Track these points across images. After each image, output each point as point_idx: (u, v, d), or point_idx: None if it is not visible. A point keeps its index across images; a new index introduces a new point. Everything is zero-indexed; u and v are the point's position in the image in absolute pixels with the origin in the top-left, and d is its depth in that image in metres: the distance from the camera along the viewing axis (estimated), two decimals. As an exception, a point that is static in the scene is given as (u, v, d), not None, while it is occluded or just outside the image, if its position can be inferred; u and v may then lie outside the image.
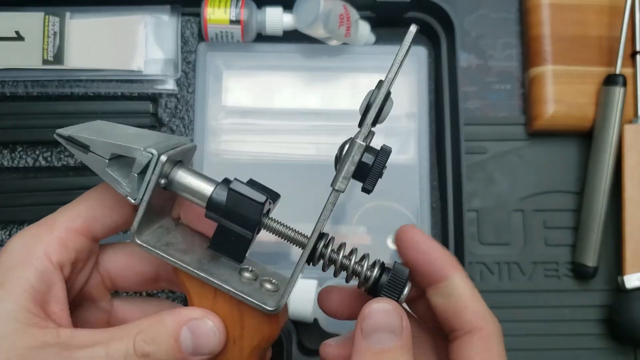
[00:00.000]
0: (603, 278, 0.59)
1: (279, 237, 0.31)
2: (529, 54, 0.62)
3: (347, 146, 0.29)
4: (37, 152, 0.57)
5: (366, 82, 0.59)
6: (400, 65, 0.27)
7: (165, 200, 0.33)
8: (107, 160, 0.29)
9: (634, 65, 0.59)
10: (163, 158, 0.29)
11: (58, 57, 0.56)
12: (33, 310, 0.29)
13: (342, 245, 0.31)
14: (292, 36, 0.58)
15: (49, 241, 0.31)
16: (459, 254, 0.55)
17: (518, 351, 0.57)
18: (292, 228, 0.31)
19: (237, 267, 0.32)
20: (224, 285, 0.30)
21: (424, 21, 0.61)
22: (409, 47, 0.27)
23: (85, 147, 0.29)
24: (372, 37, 0.60)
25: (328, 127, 0.58)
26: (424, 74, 0.59)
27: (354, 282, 0.32)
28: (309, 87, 0.59)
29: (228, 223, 0.30)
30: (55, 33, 0.57)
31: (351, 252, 0.31)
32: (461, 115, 0.57)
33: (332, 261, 0.31)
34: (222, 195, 0.29)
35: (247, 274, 0.32)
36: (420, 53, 0.59)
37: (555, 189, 0.61)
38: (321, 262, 0.31)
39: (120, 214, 0.32)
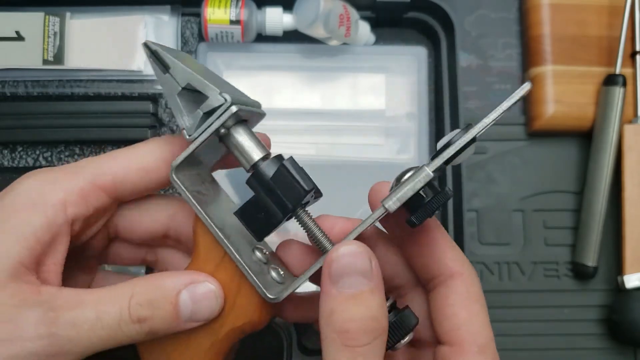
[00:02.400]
0: (603, 278, 0.59)
1: (305, 231, 0.30)
2: (529, 54, 0.62)
3: (410, 173, 0.28)
4: (37, 152, 0.57)
5: (366, 82, 0.59)
6: (499, 116, 0.27)
7: (214, 151, 0.32)
8: (180, 88, 0.29)
9: (634, 65, 0.59)
10: (234, 108, 0.28)
11: (58, 57, 0.56)
12: (25, 261, 0.26)
13: None
14: (292, 36, 0.58)
15: (69, 189, 0.28)
16: (459, 254, 0.55)
17: (518, 351, 0.57)
18: (321, 230, 0.30)
19: (253, 244, 0.31)
20: (235, 254, 0.29)
21: (424, 21, 0.61)
22: (517, 100, 0.27)
23: (165, 67, 0.29)
24: (372, 37, 0.60)
25: (328, 127, 0.58)
26: (424, 74, 0.59)
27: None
28: (309, 87, 0.59)
29: (265, 198, 0.28)
30: (55, 33, 0.57)
31: None
32: (461, 115, 0.57)
33: None
34: (270, 168, 0.29)
35: (259, 254, 0.31)
36: (420, 53, 0.59)
37: (555, 189, 0.61)
38: None
39: (155, 176, 0.30)
